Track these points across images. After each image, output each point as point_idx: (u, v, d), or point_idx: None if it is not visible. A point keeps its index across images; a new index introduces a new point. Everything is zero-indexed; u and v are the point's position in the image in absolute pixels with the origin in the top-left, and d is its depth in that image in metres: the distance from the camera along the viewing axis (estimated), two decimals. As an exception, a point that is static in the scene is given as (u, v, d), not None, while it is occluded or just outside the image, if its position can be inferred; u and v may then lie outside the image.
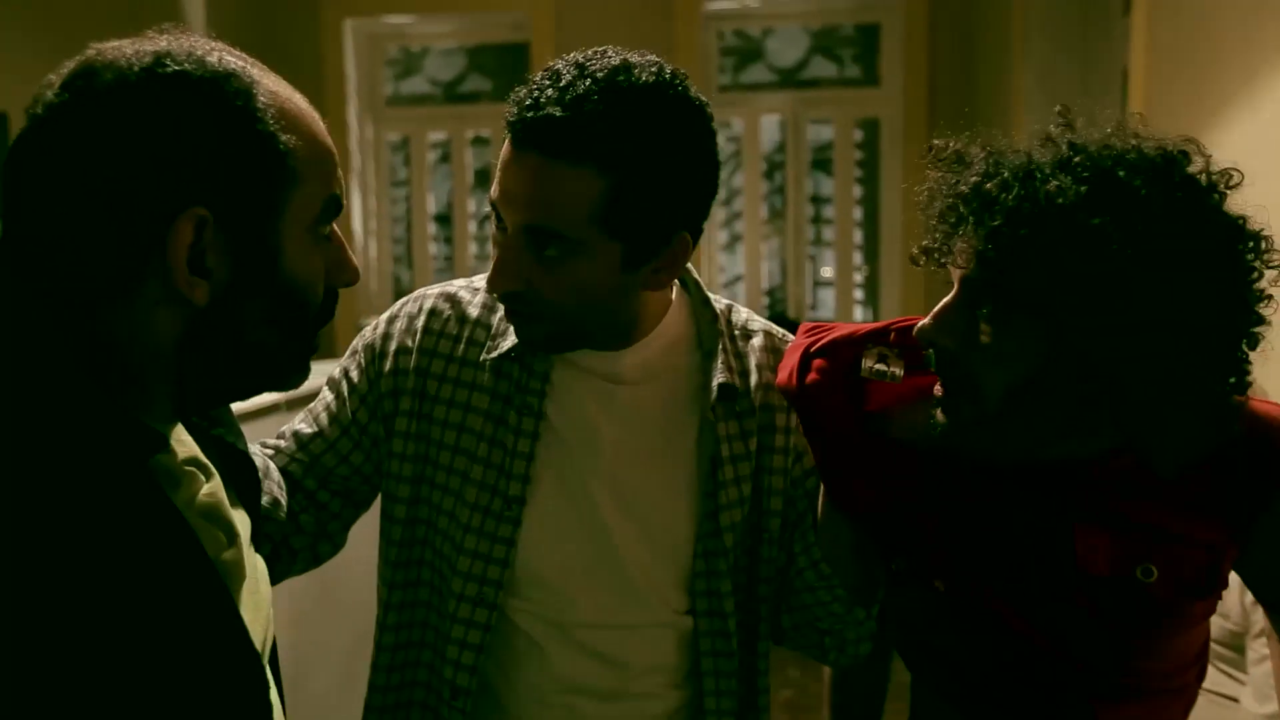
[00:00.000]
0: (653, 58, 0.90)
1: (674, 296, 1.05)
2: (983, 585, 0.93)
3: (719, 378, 1.00)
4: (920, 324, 0.89)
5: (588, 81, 0.86)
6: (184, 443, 0.73)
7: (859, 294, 4.08)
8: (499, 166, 0.91)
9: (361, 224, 4.00)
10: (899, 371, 0.92)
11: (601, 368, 1.01)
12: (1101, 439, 0.89)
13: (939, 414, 0.89)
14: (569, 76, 0.87)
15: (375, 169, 4.06)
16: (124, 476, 0.62)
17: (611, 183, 0.86)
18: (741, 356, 1.04)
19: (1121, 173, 0.81)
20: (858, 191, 4.00)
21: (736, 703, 1.04)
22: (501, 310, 1.01)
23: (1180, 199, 0.81)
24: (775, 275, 4.18)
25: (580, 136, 0.85)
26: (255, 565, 0.78)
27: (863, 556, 1.01)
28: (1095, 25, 2.50)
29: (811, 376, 0.96)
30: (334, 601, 1.00)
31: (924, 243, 0.92)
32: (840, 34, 4.17)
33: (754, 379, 1.03)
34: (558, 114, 0.85)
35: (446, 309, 1.05)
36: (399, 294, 3.57)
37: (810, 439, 0.99)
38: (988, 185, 0.84)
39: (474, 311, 1.04)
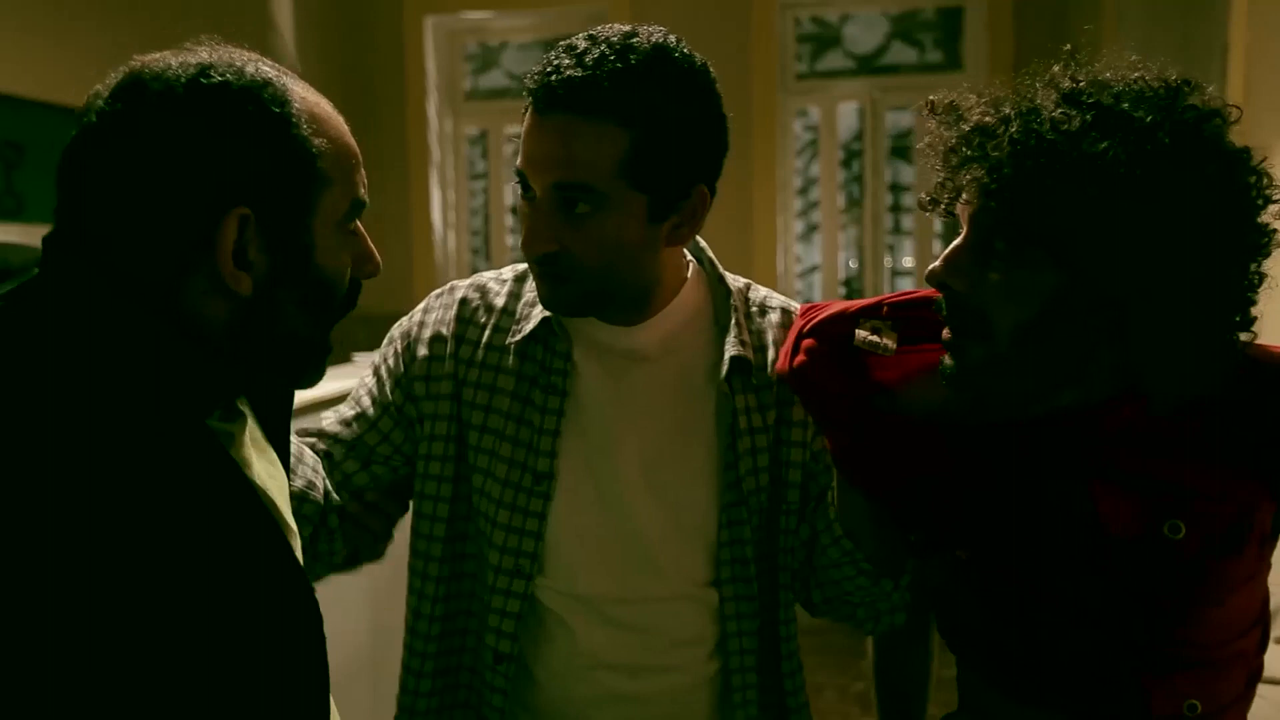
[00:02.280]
0: (656, 26, 0.98)
1: (690, 274, 1.09)
2: (1003, 554, 0.92)
3: (731, 351, 1.04)
4: (930, 267, 0.90)
5: (602, 46, 0.93)
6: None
7: (939, 284, 3.99)
8: (524, 136, 0.96)
9: (440, 216, 4.08)
10: (891, 344, 0.94)
11: (619, 344, 1.05)
12: (1104, 383, 0.88)
13: (946, 359, 0.89)
14: (583, 45, 0.94)
15: (454, 162, 4.13)
16: (190, 424, 0.70)
17: (634, 135, 0.92)
18: (757, 332, 1.08)
19: (1125, 105, 0.81)
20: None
21: (760, 674, 1.06)
22: (526, 297, 1.07)
23: (1184, 127, 0.81)
24: (853, 265, 4.12)
25: (602, 92, 0.91)
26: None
27: (883, 529, 1.02)
28: (1195, 3, 2.39)
29: (799, 358, 0.98)
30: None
31: (931, 190, 0.93)
32: (921, 18, 4.07)
33: (770, 353, 1.07)
34: (579, 74, 0.91)
35: (476, 298, 1.11)
36: (477, 285, 3.61)
37: (814, 419, 1.01)
38: (990, 120, 0.86)
39: (500, 301, 1.10)
